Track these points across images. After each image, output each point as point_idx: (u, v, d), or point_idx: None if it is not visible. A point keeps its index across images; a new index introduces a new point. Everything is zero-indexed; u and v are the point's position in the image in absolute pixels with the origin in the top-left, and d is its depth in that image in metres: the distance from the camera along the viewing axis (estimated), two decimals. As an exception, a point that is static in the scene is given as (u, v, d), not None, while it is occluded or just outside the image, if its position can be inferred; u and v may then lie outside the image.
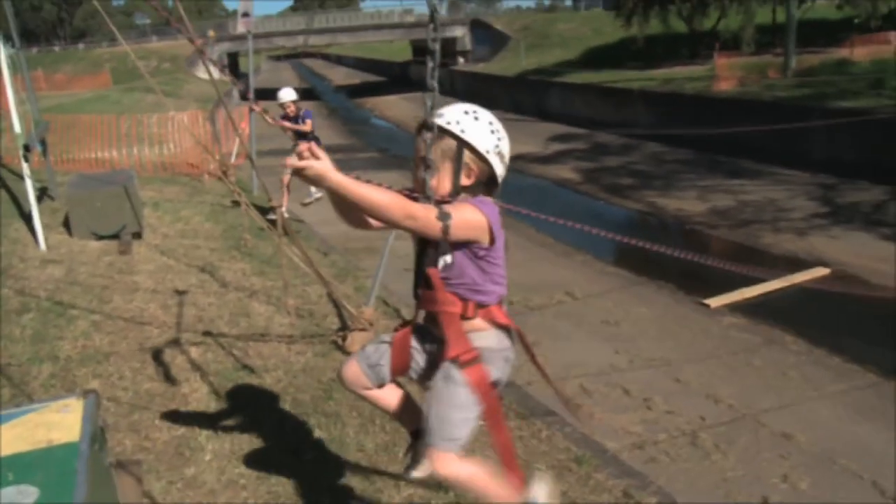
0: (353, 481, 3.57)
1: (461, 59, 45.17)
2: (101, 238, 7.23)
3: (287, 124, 9.21)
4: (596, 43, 36.96)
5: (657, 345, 6.89)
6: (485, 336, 2.36)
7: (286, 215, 8.55)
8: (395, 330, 2.59)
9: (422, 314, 2.50)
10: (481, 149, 2.28)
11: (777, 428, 5.24)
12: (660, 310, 7.93)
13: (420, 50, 48.77)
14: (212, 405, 4.10)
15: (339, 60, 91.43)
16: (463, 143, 2.27)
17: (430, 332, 2.47)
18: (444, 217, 2.13)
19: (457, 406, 2.29)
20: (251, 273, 6.95)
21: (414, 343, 2.53)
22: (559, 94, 28.08)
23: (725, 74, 21.84)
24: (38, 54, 51.65)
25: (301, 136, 9.34)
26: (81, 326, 4.88)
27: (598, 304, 8.05)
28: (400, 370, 2.55)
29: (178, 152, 13.14)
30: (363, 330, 5.04)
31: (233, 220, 9.25)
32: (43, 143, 8.11)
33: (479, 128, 2.29)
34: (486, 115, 2.33)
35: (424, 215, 2.12)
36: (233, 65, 47.49)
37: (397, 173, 16.21)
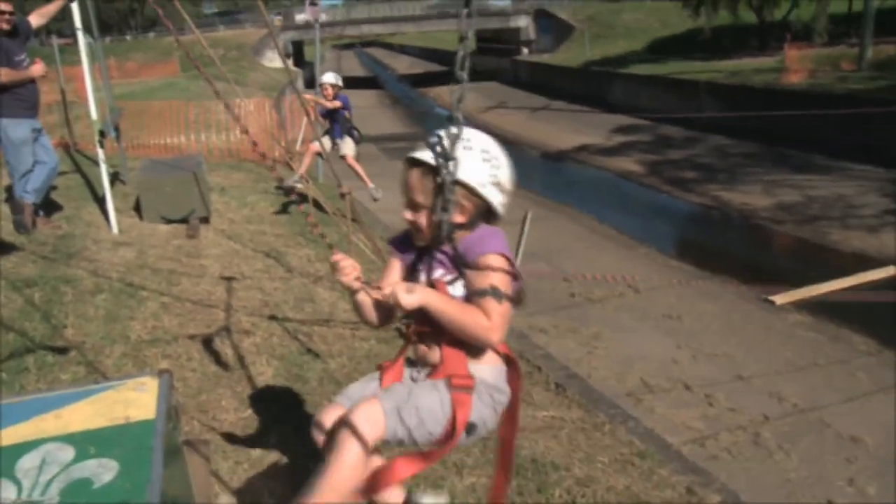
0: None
1: (525, 50, 44.91)
2: (170, 222, 7.41)
3: (310, 96, 9.07)
4: (662, 34, 36.44)
5: (720, 340, 6.79)
6: (482, 368, 2.16)
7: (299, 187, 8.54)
8: (378, 367, 2.35)
9: (418, 349, 2.25)
10: (474, 183, 2.06)
11: (843, 429, 5.11)
12: (724, 305, 7.81)
13: (484, 40, 48.65)
14: (277, 388, 4.17)
15: (403, 49, 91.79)
16: (452, 181, 2.05)
17: (424, 361, 2.23)
18: (499, 297, 2.03)
19: (425, 405, 2.08)
20: (315, 259, 7.03)
21: (407, 374, 2.28)
22: (623, 86, 27.75)
23: (796, 66, 21.29)
24: (111, 43, 52.97)
25: (330, 117, 9.30)
26: (151, 308, 5.01)
27: (660, 298, 7.95)
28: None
29: (244, 139, 13.36)
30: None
31: (297, 206, 9.36)
32: (116, 129, 8.35)
33: (471, 159, 2.05)
34: (478, 143, 2.10)
35: (503, 319, 2.04)
36: (297, 53, 48.01)
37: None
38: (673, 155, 17.93)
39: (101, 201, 7.85)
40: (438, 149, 2.03)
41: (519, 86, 37.50)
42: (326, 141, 9.18)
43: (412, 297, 2.02)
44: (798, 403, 5.50)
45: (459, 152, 2.01)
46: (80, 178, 9.33)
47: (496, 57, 44.38)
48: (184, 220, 7.39)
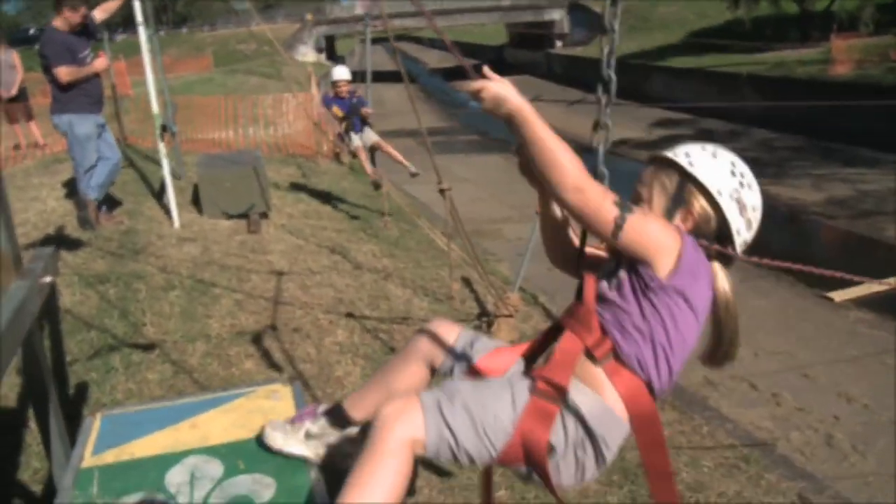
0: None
1: (558, 43, 44.62)
2: (230, 217, 7.48)
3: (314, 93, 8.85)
4: (699, 26, 35.95)
5: (780, 338, 6.70)
6: (588, 394, 1.74)
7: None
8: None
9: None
10: (711, 187, 1.82)
11: (918, 431, 5.03)
12: (779, 302, 7.71)
13: (516, 33, 48.40)
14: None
15: (432, 43, 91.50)
16: (687, 177, 1.85)
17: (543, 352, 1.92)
18: (623, 207, 1.65)
19: (483, 403, 1.70)
20: (381, 255, 7.04)
21: (518, 364, 1.97)
22: (661, 79, 27.45)
23: (842, 57, 20.79)
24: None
25: (349, 115, 8.90)
26: (226, 305, 5.06)
27: (714, 294, 7.86)
28: (487, 370, 1.96)
29: (290, 133, 13.44)
30: (509, 316, 5.03)
31: (354, 201, 9.38)
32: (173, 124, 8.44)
33: (715, 165, 1.86)
34: (728, 156, 1.90)
35: (598, 193, 1.65)
36: (329, 48, 48.15)
37: (499, 156, 16.19)
38: (716, 148, 17.70)
39: (158, 196, 7.94)
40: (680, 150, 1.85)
41: (553, 79, 37.26)
42: (356, 138, 8.95)
43: (501, 88, 1.67)
44: (868, 404, 5.41)
45: (702, 157, 1.85)
46: (134, 174, 9.43)
47: (529, 50, 44.16)
48: (243, 216, 7.44)
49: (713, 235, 1.86)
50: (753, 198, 1.89)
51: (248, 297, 5.24)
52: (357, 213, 8.62)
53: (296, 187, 9.70)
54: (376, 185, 8.70)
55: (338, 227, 7.84)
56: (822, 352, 6.39)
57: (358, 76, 9.77)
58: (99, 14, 6.86)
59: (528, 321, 5.75)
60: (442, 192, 4.48)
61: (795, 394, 5.58)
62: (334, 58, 46.43)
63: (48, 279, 2.18)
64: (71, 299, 4.93)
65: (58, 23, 6.45)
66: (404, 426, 1.62)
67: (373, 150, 9.02)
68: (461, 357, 2.00)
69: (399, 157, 9.06)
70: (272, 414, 2.09)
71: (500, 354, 1.98)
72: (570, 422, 1.70)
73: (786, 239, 11.12)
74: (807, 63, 22.05)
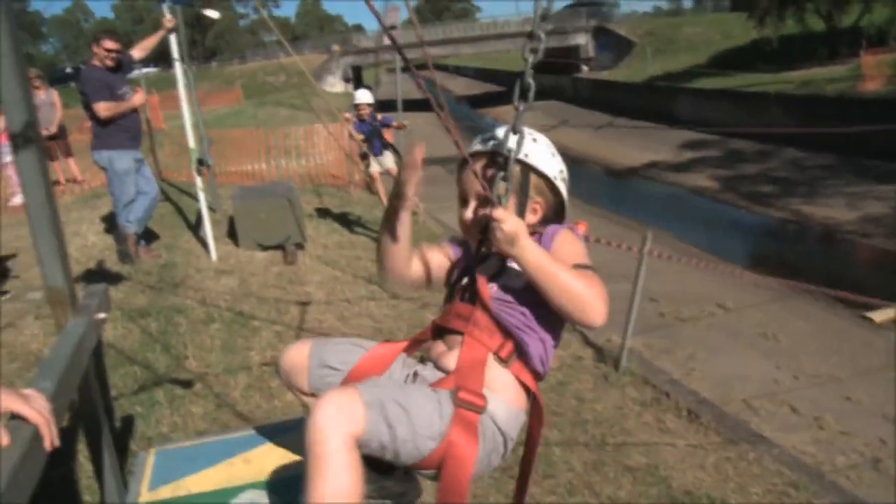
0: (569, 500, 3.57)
1: (584, 67, 44.77)
2: (265, 249, 7.55)
3: (347, 115, 8.76)
4: (725, 46, 35.89)
5: (820, 360, 6.62)
6: (501, 403, 1.76)
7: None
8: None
9: (435, 346, 1.87)
10: (550, 174, 1.86)
11: (966, 455, 4.93)
12: (818, 323, 7.62)
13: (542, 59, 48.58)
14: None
15: (458, 71, 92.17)
16: (530, 170, 1.85)
17: (436, 364, 1.85)
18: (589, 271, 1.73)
19: (418, 409, 1.65)
20: (418, 284, 6.99)
21: (400, 361, 1.92)
22: (689, 100, 27.41)
23: (872, 73, 20.61)
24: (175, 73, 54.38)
25: (372, 138, 8.82)
26: (266, 337, 5.11)
27: (751, 317, 7.80)
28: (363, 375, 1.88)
29: (322, 164, 13.58)
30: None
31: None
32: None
33: (541, 151, 1.88)
34: (543, 138, 1.93)
35: (599, 290, 1.68)
36: (357, 78, 48.72)
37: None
38: (747, 169, 17.62)
39: (194, 229, 8.04)
40: (499, 133, 1.84)
41: (580, 103, 37.35)
42: (374, 163, 8.97)
43: (518, 226, 1.69)
44: (915, 427, 5.33)
45: (530, 146, 1.85)
46: (170, 207, 9.58)
47: (555, 75, 44.40)
48: (279, 247, 7.52)
49: (553, 213, 1.90)
50: (564, 166, 1.93)
51: (288, 328, 5.28)
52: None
53: (329, 218, 9.79)
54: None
55: (373, 257, 7.84)
56: (865, 374, 6.29)
57: (386, 105, 9.80)
58: (137, 52, 7.04)
59: (566, 348, 5.75)
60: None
61: (838, 417, 5.50)
62: (361, 87, 46.87)
63: (102, 316, 2.23)
64: (114, 333, 5.01)
65: (95, 61, 6.65)
66: (345, 422, 1.57)
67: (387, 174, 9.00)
68: (325, 367, 1.93)
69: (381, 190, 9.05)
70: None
71: (376, 352, 1.92)
72: (489, 430, 1.72)
73: (820, 258, 11.01)
74: (836, 80, 21.89)
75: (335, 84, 44.21)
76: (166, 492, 2.00)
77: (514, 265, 1.76)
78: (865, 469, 4.79)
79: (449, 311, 1.84)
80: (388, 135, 9.13)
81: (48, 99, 11.25)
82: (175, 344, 4.89)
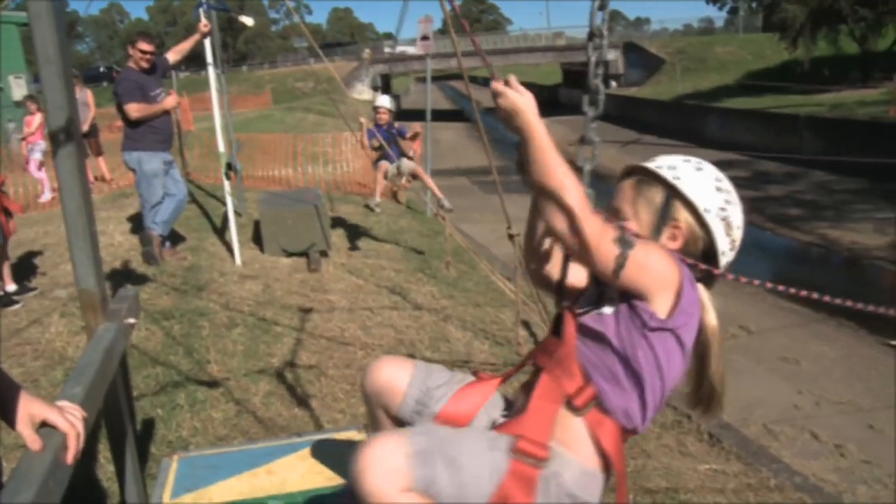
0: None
1: (613, 83, 44.63)
2: (290, 255, 7.58)
3: (363, 119, 8.51)
4: (756, 66, 35.69)
5: (844, 387, 6.54)
6: (571, 459, 1.59)
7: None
8: (475, 373, 1.91)
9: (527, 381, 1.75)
10: (699, 204, 1.70)
11: None
12: (843, 349, 7.53)
13: (570, 73, 48.55)
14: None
15: (486, 83, 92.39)
16: (674, 193, 1.72)
17: (515, 403, 1.76)
18: (624, 243, 1.53)
19: (468, 461, 1.54)
20: (440, 296, 7.05)
21: (493, 402, 1.82)
22: (718, 120, 27.20)
23: (905, 98, 20.47)
24: (205, 76, 54.96)
25: (389, 145, 8.48)
26: (288, 344, 5.12)
27: (774, 340, 7.72)
28: (449, 423, 1.76)
29: (348, 171, 13.63)
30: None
31: (411, 241, 9.43)
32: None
33: (700, 180, 1.74)
34: (712, 170, 1.78)
35: (600, 227, 1.53)
36: (385, 86, 48.88)
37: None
38: (773, 191, 17.44)
39: (220, 232, 8.10)
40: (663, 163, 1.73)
41: (608, 119, 37.05)
42: (391, 168, 8.80)
43: (523, 102, 1.63)
44: (940, 458, 5.24)
45: (688, 171, 1.73)
46: (196, 209, 9.65)
47: (584, 90, 44.29)
48: (303, 254, 7.54)
49: (699, 257, 1.72)
50: (738, 216, 1.76)
51: (310, 336, 5.30)
52: (415, 253, 8.66)
53: (354, 226, 9.81)
54: (368, 207, 8.74)
55: (396, 267, 7.88)
56: (890, 402, 6.20)
57: (415, 115, 9.76)
58: (172, 56, 7.14)
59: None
60: (511, 237, 4.46)
61: (861, 445, 5.43)
62: (390, 95, 46.96)
63: (132, 321, 2.25)
64: (137, 335, 5.05)
65: (130, 63, 6.77)
66: (391, 479, 1.49)
67: (413, 177, 8.88)
68: (422, 402, 1.84)
69: (436, 189, 8.80)
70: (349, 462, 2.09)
71: (465, 395, 1.81)
72: (552, 490, 1.55)
73: (846, 284, 10.87)
74: (868, 104, 21.68)
75: (364, 91, 44.36)
76: (188, 499, 2.01)
77: (612, 295, 1.62)
78: (888, 501, 4.72)
79: (542, 342, 1.73)
80: (408, 145, 8.85)
81: (82, 98, 11.43)
82: (197, 347, 4.92)
